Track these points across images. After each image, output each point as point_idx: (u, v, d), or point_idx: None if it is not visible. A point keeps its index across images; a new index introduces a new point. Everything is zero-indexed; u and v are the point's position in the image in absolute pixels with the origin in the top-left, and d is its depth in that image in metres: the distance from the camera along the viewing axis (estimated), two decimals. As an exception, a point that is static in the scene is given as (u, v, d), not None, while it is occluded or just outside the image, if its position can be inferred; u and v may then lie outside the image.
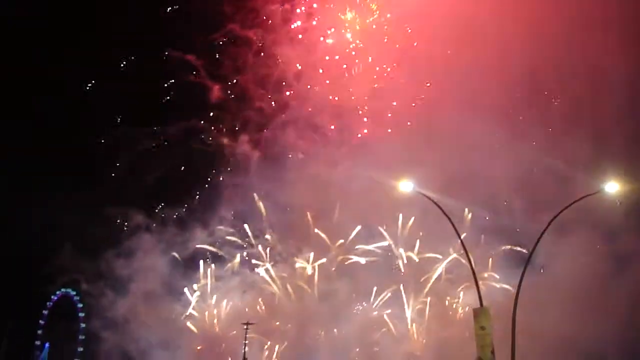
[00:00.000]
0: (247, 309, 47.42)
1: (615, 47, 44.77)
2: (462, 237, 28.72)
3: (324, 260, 47.69)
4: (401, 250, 47.46)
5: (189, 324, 48.57)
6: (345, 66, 53.60)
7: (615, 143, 42.83)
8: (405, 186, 28.14)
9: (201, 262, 49.59)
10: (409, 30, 53.09)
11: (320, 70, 53.68)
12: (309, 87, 53.54)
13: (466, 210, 46.09)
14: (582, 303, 41.46)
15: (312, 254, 47.88)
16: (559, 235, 40.12)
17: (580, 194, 26.50)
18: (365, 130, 51.87)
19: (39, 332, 52.13)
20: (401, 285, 46.80)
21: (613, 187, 25.13)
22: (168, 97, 54.33)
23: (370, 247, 47.79)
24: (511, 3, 48.14)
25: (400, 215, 46.87)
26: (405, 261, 47.55)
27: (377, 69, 52.96)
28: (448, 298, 46.98)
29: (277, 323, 47.75)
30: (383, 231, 47.71)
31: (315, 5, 55.16)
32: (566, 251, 42.73)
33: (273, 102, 54.18)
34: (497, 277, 45.35)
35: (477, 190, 45.32)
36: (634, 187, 26.00)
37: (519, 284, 26.08)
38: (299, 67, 53.89)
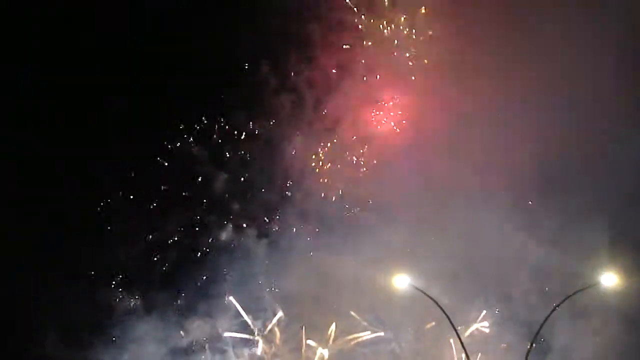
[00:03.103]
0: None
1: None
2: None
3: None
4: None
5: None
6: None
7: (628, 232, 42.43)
8: (401, 281, 27.87)
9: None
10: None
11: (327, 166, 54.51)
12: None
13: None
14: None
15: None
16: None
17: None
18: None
19: None
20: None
21: (611, 279, 24.73)
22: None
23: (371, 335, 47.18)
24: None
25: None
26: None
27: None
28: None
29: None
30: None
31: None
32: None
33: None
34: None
35: (483, 282, 44.82)
36: (633, 280, 25.49)
37: None
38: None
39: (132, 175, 52.29)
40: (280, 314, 48.51)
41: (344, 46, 52.99)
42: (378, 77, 53.39)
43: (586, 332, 43.27)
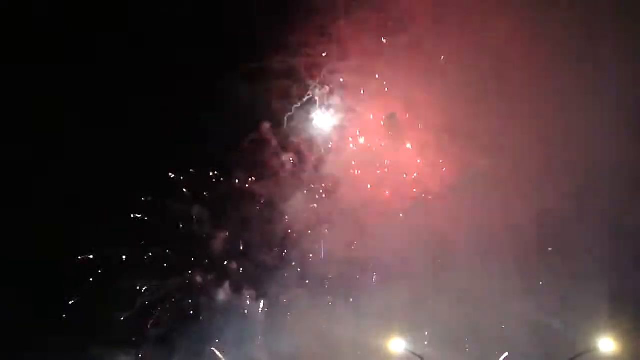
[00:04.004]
0: None
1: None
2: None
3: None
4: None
5: None
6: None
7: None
8: (396, 345, 27.70)
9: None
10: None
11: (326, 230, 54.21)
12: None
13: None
14: None
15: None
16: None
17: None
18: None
19: None
20: None
21: (608, 345, 24.50)
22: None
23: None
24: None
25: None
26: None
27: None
28: None
29: None
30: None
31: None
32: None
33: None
34: None
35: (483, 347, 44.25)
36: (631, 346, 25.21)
37: None
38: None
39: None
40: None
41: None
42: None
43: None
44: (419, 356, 27.45)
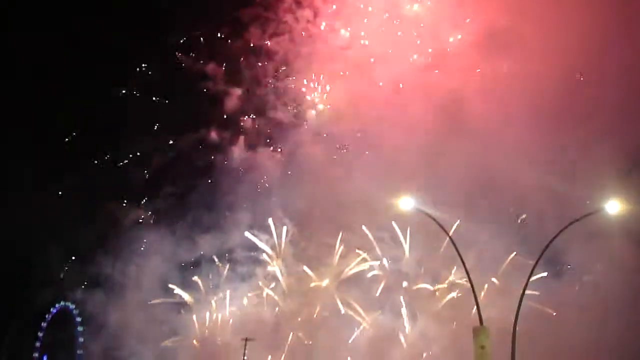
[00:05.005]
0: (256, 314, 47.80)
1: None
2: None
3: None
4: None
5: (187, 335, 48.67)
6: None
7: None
8: (405, 203, 27.77)
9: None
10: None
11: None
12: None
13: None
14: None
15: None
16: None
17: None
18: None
19: (37, 344, 52.48)
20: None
21: (614, 206, 24.50)
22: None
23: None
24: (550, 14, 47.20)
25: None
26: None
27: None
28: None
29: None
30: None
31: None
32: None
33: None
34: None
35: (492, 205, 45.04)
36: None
37: (521, 297, 25.94)
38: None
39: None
40: (290, 229, 49.21)
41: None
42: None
43: (597, 253, 43.51)
44: (428, 214, 27.41)
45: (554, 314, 43.25)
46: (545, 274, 41.71)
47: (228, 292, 49.07)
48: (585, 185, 38.72)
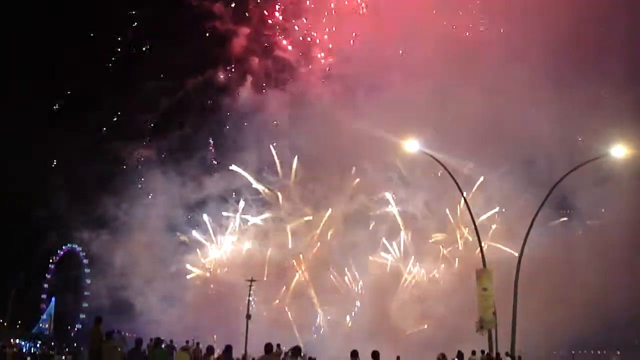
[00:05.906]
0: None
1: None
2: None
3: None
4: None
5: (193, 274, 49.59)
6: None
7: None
8: (411, 145, 27.73)
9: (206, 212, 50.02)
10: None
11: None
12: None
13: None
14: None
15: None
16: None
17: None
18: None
19: (45, 286, 54.05)
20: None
21: (620, 151, 24.23)
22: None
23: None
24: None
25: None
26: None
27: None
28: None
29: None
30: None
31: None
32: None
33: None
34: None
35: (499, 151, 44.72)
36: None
37: (523, 243, 26.19)
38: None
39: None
40: (297, 166, 49.75)
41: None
42: None
43: (605, 196, 43.50)
44: (432, 156, 27.39)
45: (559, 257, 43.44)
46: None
47: (235, 231, 49.79)
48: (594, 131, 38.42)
